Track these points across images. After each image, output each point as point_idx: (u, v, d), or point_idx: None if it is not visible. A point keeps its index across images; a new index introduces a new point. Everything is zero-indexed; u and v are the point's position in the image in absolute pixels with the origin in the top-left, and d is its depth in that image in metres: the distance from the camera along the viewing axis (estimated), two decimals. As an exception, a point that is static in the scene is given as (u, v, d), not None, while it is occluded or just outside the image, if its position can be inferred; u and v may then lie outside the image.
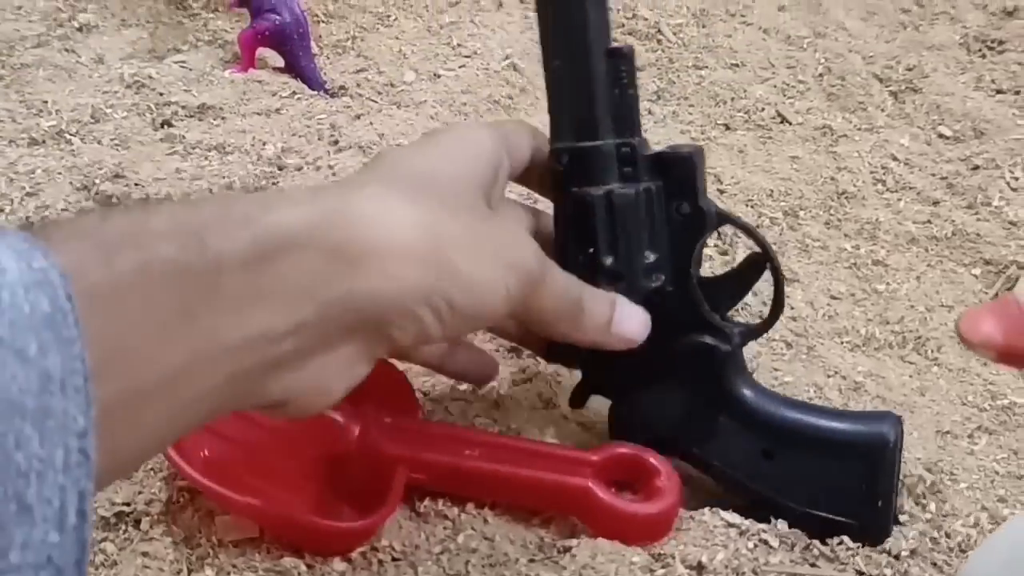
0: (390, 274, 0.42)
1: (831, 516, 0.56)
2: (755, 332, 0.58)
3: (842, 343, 0.78)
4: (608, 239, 0.55)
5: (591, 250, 0.55)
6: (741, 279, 0.58)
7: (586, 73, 0.54)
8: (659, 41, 1.15)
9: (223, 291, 0.37)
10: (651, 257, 0.56)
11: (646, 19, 1.18)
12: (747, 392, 0.58)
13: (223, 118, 0.96)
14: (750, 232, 0.57)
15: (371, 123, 0.95)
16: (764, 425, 0.57)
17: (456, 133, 0.51)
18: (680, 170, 0.55)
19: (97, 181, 0.84)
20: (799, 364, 0.75)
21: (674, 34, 1.16)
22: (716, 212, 0.56)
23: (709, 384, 0.57)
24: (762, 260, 0.57)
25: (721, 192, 0.92)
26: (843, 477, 0.55)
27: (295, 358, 0.41)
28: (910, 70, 1.13)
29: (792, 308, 0.80)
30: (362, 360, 0.45)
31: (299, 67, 1.03)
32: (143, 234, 0.36)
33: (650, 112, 1.05)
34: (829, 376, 0.74)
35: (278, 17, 1.02)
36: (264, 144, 0.91)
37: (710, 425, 0.58)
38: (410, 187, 0.45)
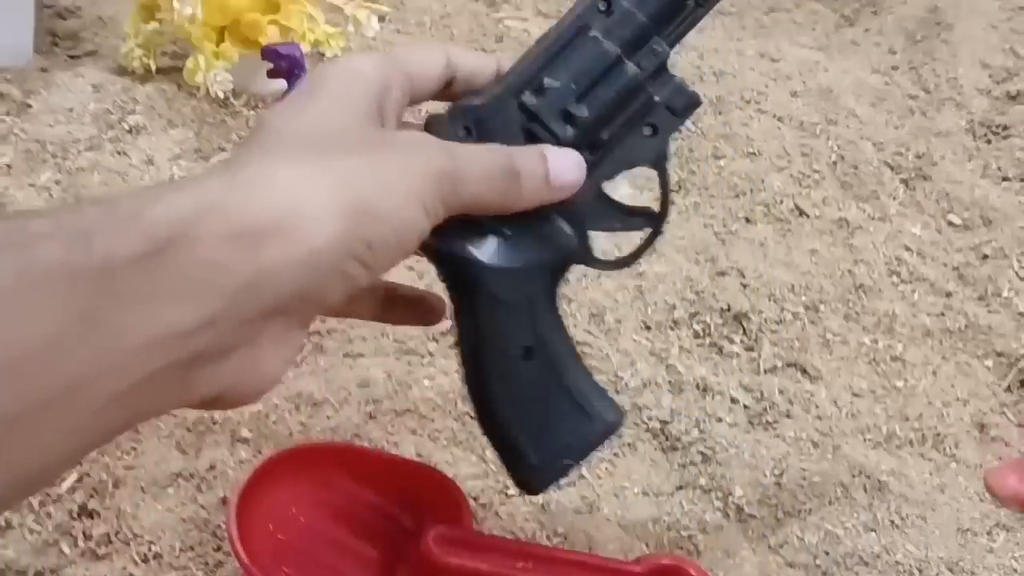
0: (298, 241, 0.39)
1: (522, 446, 0.53)
2: (609, 263, 0.55)
3: (865, 441, 0.83)
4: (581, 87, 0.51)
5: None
6: (624, 217, 0.54)
7: None
8: (679, 130, 1.20)
9: (120, 292, 0.36)
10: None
11: (665, 108, 1.23)
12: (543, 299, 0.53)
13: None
14: (665, 189, 0.54)
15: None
16: (527, 327, 0.52)
17: (333, 71, 0.47)
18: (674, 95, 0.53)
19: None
20: (826, 464, 0.80)
21: (692, 123, 1.21)
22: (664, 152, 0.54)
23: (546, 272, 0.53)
24: (651, 219, 0.54)
25: (744, 286, 0.97)
26: (560, 422, 0.53)
27: (217, 350, 0.39)
28: (919, 157, 1.18)
29: (817, 407, 0.85)
30: (293, 331, 0.43)
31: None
32: (22, 236, 0.35)
33: (672, 202, 1.10)
34: (854, 475, 0.79)
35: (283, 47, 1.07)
36: (311, 247, 0.96)
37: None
38: (293, 146, 0.43)
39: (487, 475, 0.79)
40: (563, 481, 0.55)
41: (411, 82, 0.50)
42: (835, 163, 1.17)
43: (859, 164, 1.16)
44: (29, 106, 1.13)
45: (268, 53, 1.09)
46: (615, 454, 0.81)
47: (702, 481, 0.79)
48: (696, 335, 0.93)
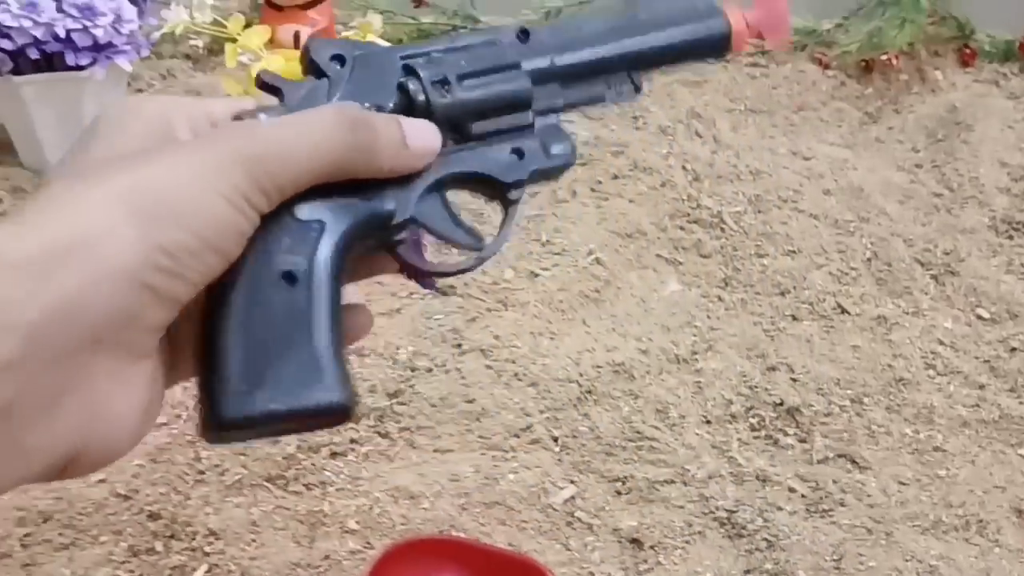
0: (91, 259, 0.36)
1: (235, 367, 0.43)
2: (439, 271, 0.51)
3: (914, 527, 0.91)
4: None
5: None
6: (452, 226, 0.50)
7: None
8: (722, 229, 1.30)
9: None
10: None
11: (709, 208, 1.32)
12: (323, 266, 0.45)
13: (353, 319, 1.10)
14: (506, 227, 0.51)
15: (487, 325, 1.09)
16: (305, 252, 0.45)
17: (111, 108, 0.44)
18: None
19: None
20: (880, 550, 0.88)
21: (735, 222, 1.31)
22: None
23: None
24: (478, 244, 0.51)
25: (794, 380, 1.06)
26: (287, 364, 0.44)
27: (33, 400, 0.35)
28: (947, 254, 1.27)
29: (868, 496, 0.93)
30: (129, 365, 0.39)
31: (415, 269, 1.17)
32: None
33: (720, 299, 1.19)
34: (907, 560, 0.87)
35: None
36: (397, 348, 1.05)
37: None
38: (76, 173, 0.39)
39: (572, 562, 0.86)
40: (253, 440, 0.45)
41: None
42: (869, 260, 1.26)
43: (892, 261, 1.25)
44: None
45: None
46: (686, 541, 0.89)
47: (768, 566, 0.87)
48: (753, 428, 1.01)
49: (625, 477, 0.94)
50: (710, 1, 0.56)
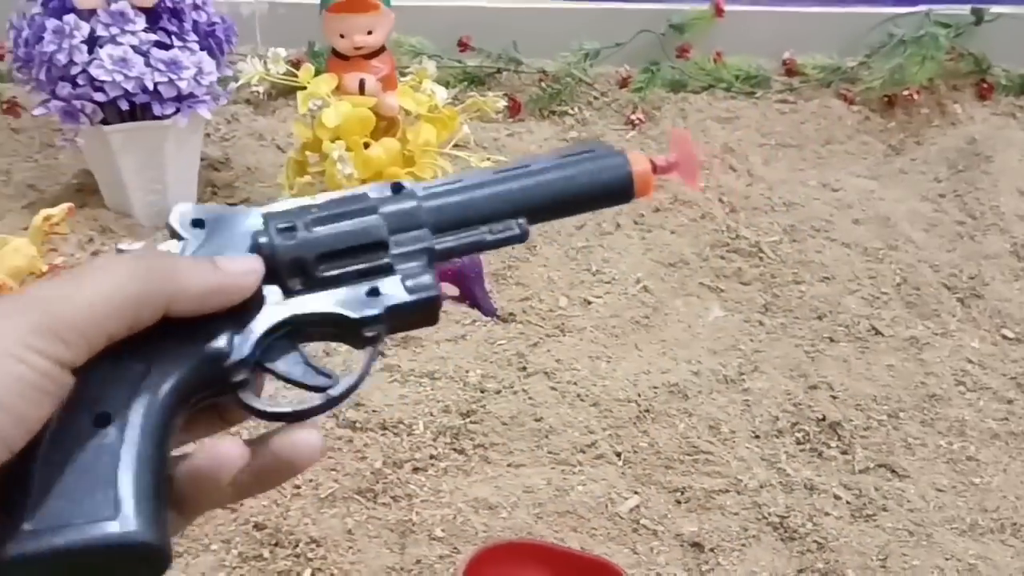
0: None
1: (25, 502, 0.41)
2: (263, 412, 0.46)
3: (952, 529, 0.99)
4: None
5: None
6: (305, 368, 0.47)
7: None
8: (760, 258, 1.39)
9: None
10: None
11: (747, 238, 1.41)
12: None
13: (422, 346, 1.19)
14: (363, 371, 0.48)
15: (548, 350, 1.18)
16: (124, 397, 0.44)
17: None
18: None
19: (342, 409, 1.06)
20: (922, 550, 0.96)
21: (772, 251, 1.39)
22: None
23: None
24: (330, 385, 0.47)
25: (834, 398, 1.14)
26: (83, 497, 0.41)
27: None
28: (972, 278, 1.35)
29: (908, 501, 1.02)
30: None
31: (475, 299, 1.27)
32: None
33: (761, 323, 1.28)
34: (947, 559, 0.95)
35: (457, 259, 1.25)
36: (466, 372, 1.14)
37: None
38: None
39: (640, 564, 0.95)
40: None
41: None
42: (899, 285, 1.35)
43: (920, 286, 1.34)
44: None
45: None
46: (743, 544, 0.97)
47: (819, 566, 0.95)
48: (798, 441, 1.09)
49: (684, 487, 1.02)
50: (609, 145, 0.53)
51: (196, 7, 1.34)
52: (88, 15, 1.28)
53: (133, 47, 1.27)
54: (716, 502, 1.01)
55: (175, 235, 0.48)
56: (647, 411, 1.10)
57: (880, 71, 1.76)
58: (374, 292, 0.47)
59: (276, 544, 0.94)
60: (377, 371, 1.15)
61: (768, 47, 1.83)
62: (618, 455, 1.06)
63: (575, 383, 1.14)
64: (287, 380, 0.47)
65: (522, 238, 0.50)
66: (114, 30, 1.27)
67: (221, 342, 0.45)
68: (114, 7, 1.27)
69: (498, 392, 1.12)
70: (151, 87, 1.27)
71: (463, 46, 1.77)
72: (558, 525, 0.98)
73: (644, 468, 1.04)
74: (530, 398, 1.11)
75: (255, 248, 0.47)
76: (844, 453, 1.08)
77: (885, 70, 1.76)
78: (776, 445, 1.09)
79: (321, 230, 0.48)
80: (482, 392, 1.12)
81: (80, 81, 1.27)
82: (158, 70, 1.27)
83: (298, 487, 1.00)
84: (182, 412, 0.44)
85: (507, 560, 0.87)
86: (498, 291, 1.31)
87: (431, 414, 1.09)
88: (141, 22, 1.28)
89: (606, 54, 1.80)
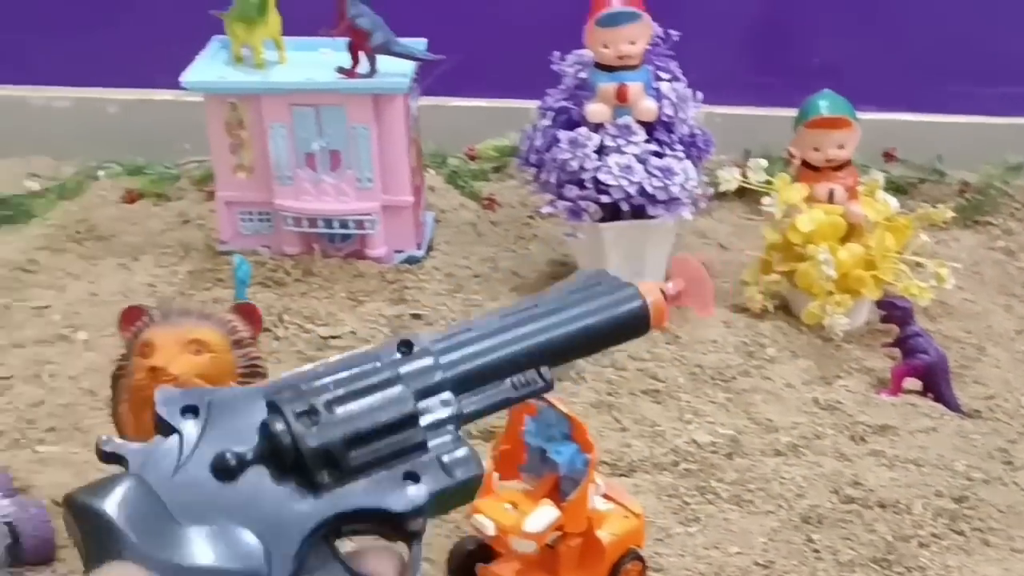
0: None
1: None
2: None
3: None
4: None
5: None
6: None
7: None
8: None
9: None
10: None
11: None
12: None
13: (898, 435, 1.29)
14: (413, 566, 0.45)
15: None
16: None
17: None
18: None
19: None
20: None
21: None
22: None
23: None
24: None
25: None
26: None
27: None
28: None
29: None
30: None
31: (941, 394, 1.36)
32: None
33: None
34: None
35: (927, 356, 1.35)
36: (952, 460, 1.24)
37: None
38: None
39: None
40: None
41: None
42: None
43: None
44: (678, 337, 1.47)
45: (886, 304, 1.40)
46: None
47: None
48: None
49: None
50: (615, 276, 0.51)
51: (682, 120, 1.52)
52: (596, 127, 1.48)
53: (635, 156, 1.46)
54: None
55: (164, 426, 0.43)
56: None
57: None
58: (412, 477, 0.43)
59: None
60: (864, 455, 1.26)
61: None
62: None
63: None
64: None
65: (547, 388, 0.49)
66: (620, 141, 1.46)
67: (260, 567, 0.41)
68: (620, 121, 1.47)
69: (986, 482, 1.21)
70: (649, 191, 1.45)
71: (888, 156, 1.87)
72: None
73: None
74: (1022, 490, 1.19)
75: (274, 442, 0.42)
76: None
77: None
78: None
79: (344, 411, 0.43)
80: (969, 480, 1.21)
81: (587, 184, 1.47)
82: (655, 176, 1.46)
83: (817, 551, 1.12)
84: None
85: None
86: (962, 389, 1.39)
87: (926, 497, 1.19)
88: (642, 134, 1.47)
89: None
